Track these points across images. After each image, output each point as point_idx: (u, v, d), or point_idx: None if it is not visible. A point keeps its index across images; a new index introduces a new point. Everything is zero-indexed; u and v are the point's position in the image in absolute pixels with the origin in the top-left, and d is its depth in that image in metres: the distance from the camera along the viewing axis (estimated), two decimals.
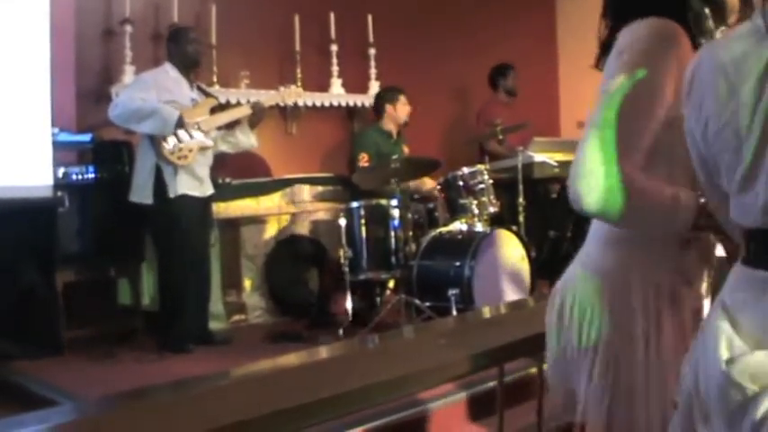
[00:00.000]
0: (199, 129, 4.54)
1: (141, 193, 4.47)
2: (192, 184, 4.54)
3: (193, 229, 4.56)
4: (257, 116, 4.83)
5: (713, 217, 1.34)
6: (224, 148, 4.84)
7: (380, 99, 5.68)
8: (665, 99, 1.40)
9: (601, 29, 1.59)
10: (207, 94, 4.81)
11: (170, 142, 4.43)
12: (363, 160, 5.35)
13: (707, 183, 1.25)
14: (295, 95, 5.24)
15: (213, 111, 4.71)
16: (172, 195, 4.45)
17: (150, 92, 4.43)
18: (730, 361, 1.10)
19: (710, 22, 1.49)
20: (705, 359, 1.16)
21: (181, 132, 4.45)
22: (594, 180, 1.33)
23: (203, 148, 4.58)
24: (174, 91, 4.56)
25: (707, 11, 1.49)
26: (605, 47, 1.55)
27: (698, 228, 1.39)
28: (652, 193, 1.37)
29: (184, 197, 4.48)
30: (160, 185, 4.44)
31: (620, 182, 1.33)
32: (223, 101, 5.24)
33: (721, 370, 1.11)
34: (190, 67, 4.71)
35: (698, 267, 1.53)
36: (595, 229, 1.60)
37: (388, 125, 5.60)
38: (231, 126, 4.84)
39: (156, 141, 4.42)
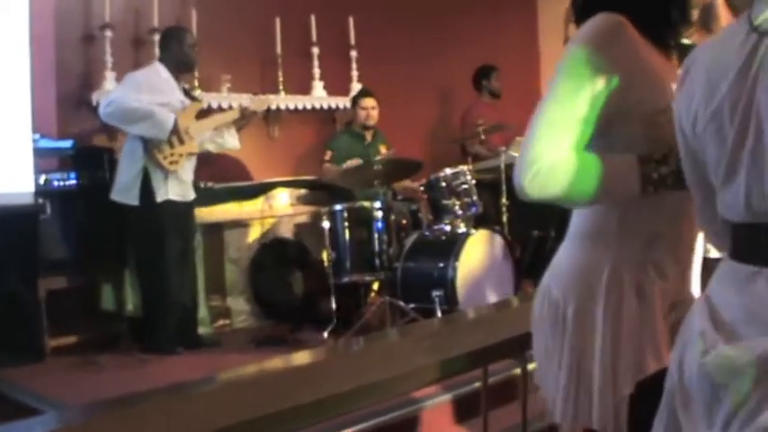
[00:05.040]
0: (188, 134, 4.50)
1: (127, 193, 4.42)
2: (178, 189, 4.51)
3: (177, 234, 4.52)
4: (245, 120, 4.81)
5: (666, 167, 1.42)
6: (210, 147, 4.81)
7: (351, 101, 5.81)
8: (601, 85, 1.45)
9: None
10: (192, 98, 4.76)
11: (165, 148, 4.39)
12: (326, 156, 5.52)
13: (694, 178, 1.28)
14: (265, 103, 4.99)
15: (198, 116, 4.67)
16: (159, 200, 4.42)
17: (143, 93, 4.35)
18: (704, 353, 1.14)
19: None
20: (687, 350, 1.20)
21: (173, 138, 4.41)
22: (536, 165, 1.40)
23: (191, 154, 4.56)
24: (167, 93, 4.49)
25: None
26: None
27: (655, 181, 1.43)
28: (594, 162, 1.43)
29: (169, 202, 4.46)
30: (147, 189, 4.40)
31: (560, 158, 1.41)
32: (205, 105, 5.22)
33: (698, 362, 1.15)
34: (184, 71, 4.67)
35: (671, 261, 1.53)
36: (572, 225, 1.62)
37: (359, 127, 5.65)
38: (220, 127, 4.82)
39: (149, 145, 4.37)
